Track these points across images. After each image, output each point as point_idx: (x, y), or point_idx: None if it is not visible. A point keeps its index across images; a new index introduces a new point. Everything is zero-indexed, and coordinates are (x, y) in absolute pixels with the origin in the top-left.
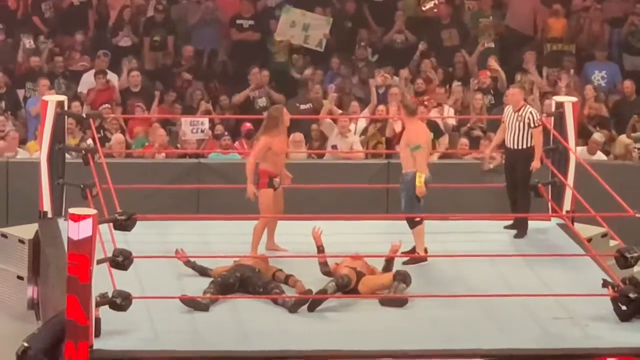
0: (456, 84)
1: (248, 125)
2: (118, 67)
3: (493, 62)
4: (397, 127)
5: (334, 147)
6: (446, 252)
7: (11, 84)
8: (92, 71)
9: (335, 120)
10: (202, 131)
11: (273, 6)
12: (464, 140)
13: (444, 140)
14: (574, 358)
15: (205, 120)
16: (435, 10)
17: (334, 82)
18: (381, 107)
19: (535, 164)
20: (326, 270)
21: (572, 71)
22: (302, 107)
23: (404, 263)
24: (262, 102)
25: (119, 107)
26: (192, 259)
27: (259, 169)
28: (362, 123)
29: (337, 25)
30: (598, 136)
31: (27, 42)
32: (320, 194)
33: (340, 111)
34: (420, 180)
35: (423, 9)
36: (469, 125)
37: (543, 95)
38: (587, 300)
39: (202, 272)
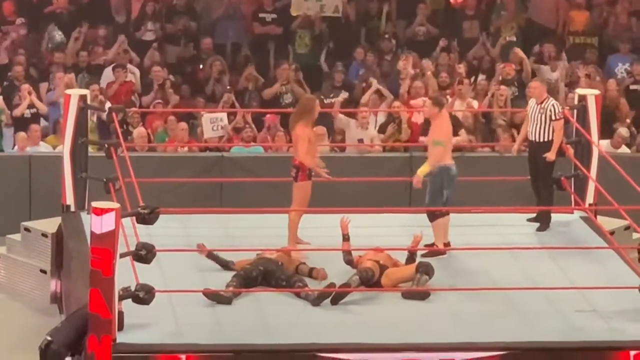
0: (481, 78)
1: (271, 117)
2: (141, 60)
3: (519, 50)
4: (419, 119)
5: (360, 140)
6: (469, 245)
7: (35, 78)
8: (112, 65)
9: (354, 114)
10: (222, 127)
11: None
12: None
13: (463, 134)
14: (596, 351)
15: (224, 116)
16: None
17: (359, 73)
18: (397, 104)
19: (550, 156)
20: (349, 259)
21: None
22: (327, 100)
23: (423, 255)
24: (287, 98)
25: (139, 101)
26: (214, 252)
27: (296, 161)
28: (381, 117)
29: (361, 18)
30: (624, 131)
31: (50, 35)
32: (342, 187)
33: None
34: (422, 171)
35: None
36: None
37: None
38: (610, 293)
39: (225, 265)
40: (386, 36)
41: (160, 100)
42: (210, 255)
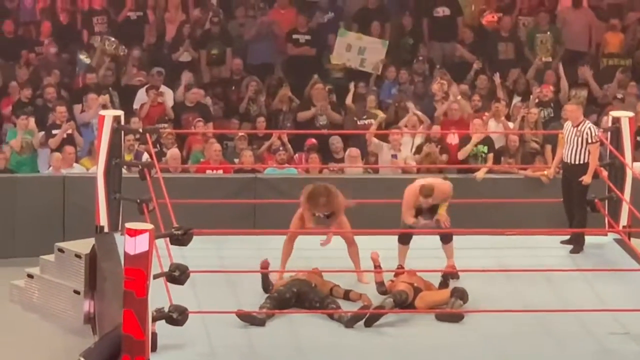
0: (516, 100)
1: (312, 140)
2: (175, 82)
3: (558, 70)
4: (453, 140)
5: (394, 156)
6: (502, 267)
7: (67, 99)
8: (145, 87)
9: (386, 136)
10: None
11: (326, 22)
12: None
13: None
14: None
15: None
16: (491, 17)
17: (391, 92)
18: (436, 127)
19: (586, 179)
20: (383, 290)
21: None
22: (360, 122)
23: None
24: (322, 119)
25: (171, 123)
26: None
27: None
28: (418, 139)
29: (395, 40)
30: None
31: (83, 57)
32: (375, 209)
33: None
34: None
35: (482, 21)
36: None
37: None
38: None
39: (266, 286)
40: (420, 58)
41: (200, 119)
42: (264, 276)
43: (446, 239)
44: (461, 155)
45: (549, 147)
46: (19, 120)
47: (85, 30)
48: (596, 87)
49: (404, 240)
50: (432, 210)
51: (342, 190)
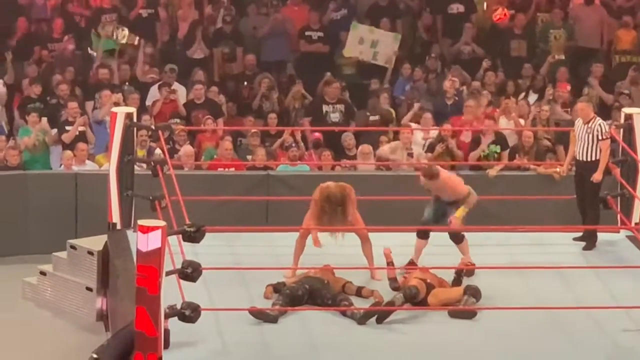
0: (531, 96)
1: (317, 135)
2: (188, 79)
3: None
4: (466, 138)
5: (410, 155)
6: (515, 264)
7: (80, 96)
8: (158, 83)
9: (397, 133)
10: None
11: (339, 18)
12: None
13: (505, 153)
14: None
15: None
16: (502, 15)
17: (405, 89)
18: (448, 126)
19: (597, 176)
20: (395, 286)
21: None
22: (372, 118)
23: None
24: (335, 117)
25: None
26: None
27: None
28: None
29: (407, 36)
30: None
31: (94, 53)
32: (388, 205)
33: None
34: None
35: (494, 18)
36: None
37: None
38: None
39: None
40: (433, 55)
41: (210, 116)
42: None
43: (457, 239)
44: (472, 158)
45: (561, 145)
46: (29, 117)
47: (97, 27)
48: (604, 94)
49: (422, 235)
50: (452, 205)
51: (354, 187)
